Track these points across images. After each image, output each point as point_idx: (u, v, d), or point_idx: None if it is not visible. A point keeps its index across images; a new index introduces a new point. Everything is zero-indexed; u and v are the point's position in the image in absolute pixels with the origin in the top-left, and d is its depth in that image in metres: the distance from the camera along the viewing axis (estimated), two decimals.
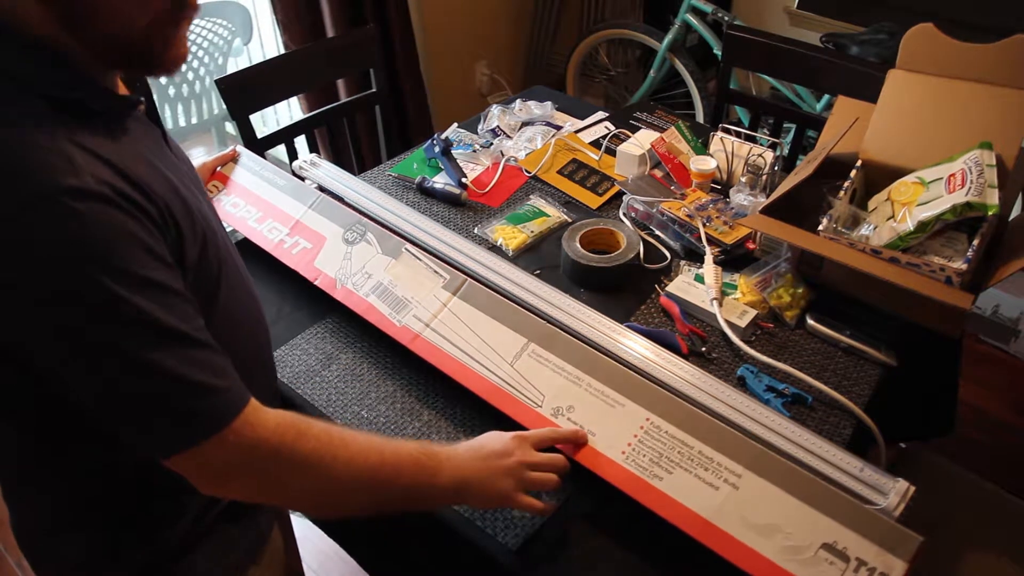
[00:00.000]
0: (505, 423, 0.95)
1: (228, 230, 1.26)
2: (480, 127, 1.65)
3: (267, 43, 2.57)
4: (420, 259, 1.10)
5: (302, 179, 1.43)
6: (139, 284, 0.59)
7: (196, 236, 0.68)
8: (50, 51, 0.59)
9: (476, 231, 1.34)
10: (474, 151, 1.56)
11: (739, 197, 1.33)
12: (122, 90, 0.71)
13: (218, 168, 1.31)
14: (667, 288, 1.18)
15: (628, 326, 1.07)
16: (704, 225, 1.26)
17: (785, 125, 1.87)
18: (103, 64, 0.64)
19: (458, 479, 0.79)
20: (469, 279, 1.07)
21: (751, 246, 1.27)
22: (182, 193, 0.68)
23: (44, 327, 0.59)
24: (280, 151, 1.75)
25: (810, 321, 1.13)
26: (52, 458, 0.74)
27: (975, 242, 1.08)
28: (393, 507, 0.80)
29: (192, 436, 0.64)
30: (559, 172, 1.50)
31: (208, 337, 0.66)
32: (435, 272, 1.08)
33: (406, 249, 1.12)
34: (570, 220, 1.36)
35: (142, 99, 0.70)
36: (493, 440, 0.85)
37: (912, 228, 1.11)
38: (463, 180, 1.44)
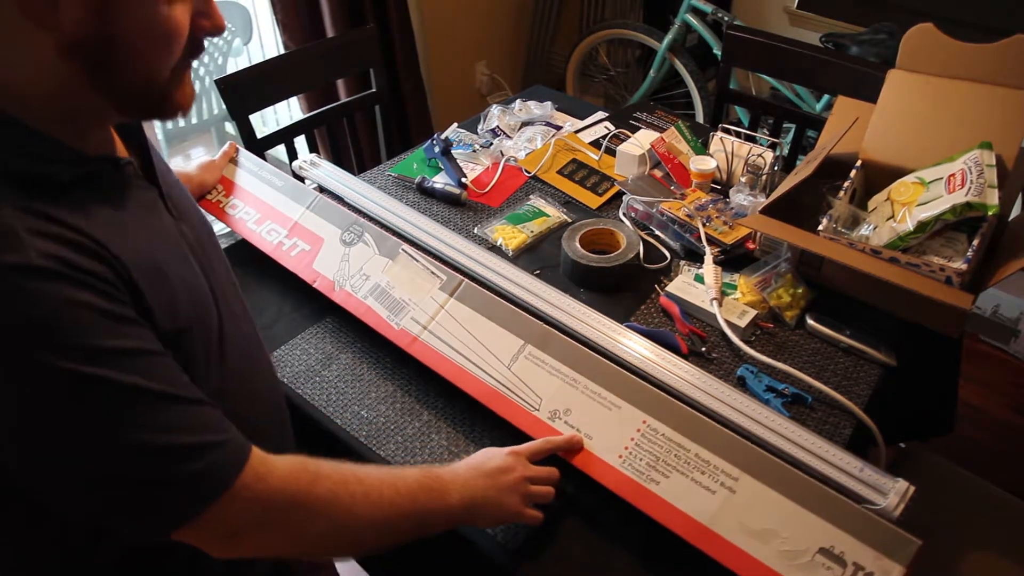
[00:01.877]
0: (503, 426, 0.95)
1: (226, 231, 1.26)
2: (480, 127, 1.65)
3: (267, 43, 2.58)
4: (417, 260, 1.10)
5: (302, 179, 1.43)
6: (100, 354, 0.54)
7: (174, 311, 0.63)
8: (21, 124, 0.55)
9: (476, 231, 1.34)
10: (474, 151, 1.56)
11: (739, 197, 1.33)
12: (111, 148, 0.66)
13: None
14: (667, 288, 1.18)
15: (628, 326, 1.07)
16: (704, 225, 1.26)
17: (785, 125, 1.87)
18: (120, 114, 0.61)
19: (467, 498, 0.79)
20: (466, 280, 1.07)
21: (751, 246, 1.27)
22: (164, 269, 0.63)
23: (2, 420, 0.53)
24: (280, 151, 1.75)
25: (810, 321, 1.13)
26: (25, 551, 0.68)
27: (975, 242, 1.08)
28: (409, 536, 0.77)
29: (200, 501, 0.59)
30: (559, 172, 1.50)
31: (195, 391, 0.61)
32: (432, 273, 1.08)
33: (403, 250, 1.12)
34: (570, 220, 1.36)
35: (130, 161, 0.66)
36: (492, 457, 0.85)
37: (912, 228, 1.11)
38: (463, 180, 1.44)
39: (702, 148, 1.51)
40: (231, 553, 0.65)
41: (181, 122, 2.52)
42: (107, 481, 0.57)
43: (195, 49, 0.60)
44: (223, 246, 1.34)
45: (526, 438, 0.93)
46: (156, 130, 2.35)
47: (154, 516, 0.59)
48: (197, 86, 2.47)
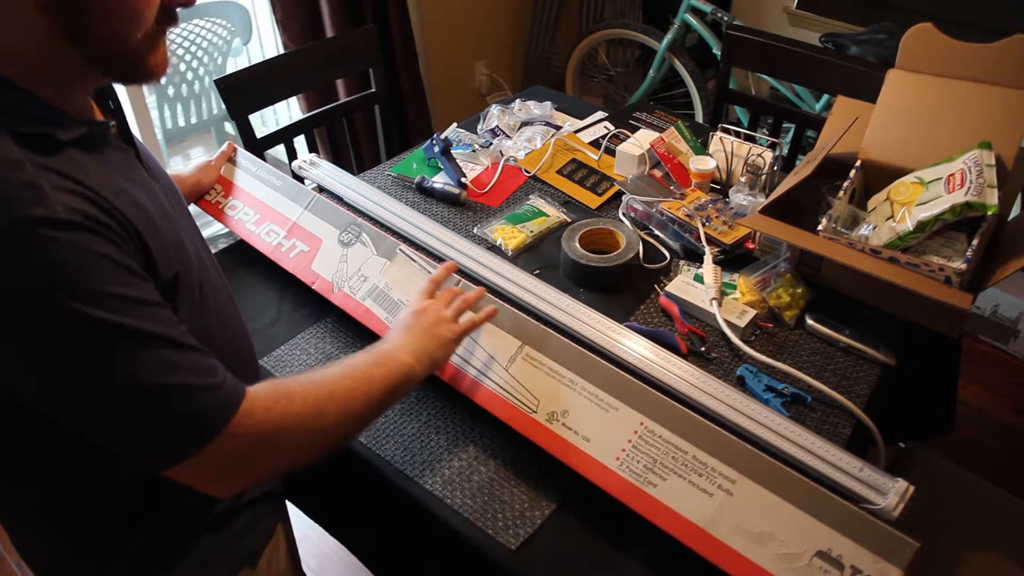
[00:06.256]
0: (502, 425, 0.95)
1: (224, 231, 1.26)
2: (479, 127, 1.65)
3: (267, 43, 2.57)
4: (414, 260, 1.10)
5: (301, 179, 1.43)
6: (119, 302, 0.59)
7: (168, 260, 0.68)
8: (17, 88, 0.59)
9: (476, 231, 1.34)
10: (473, 151, 1.56)
11: (738, 197, 1.33)
12: (94, 114, 0.71)
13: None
14: (666, 288, 1.18)
15: (627, 326, 1.07)
16: (703, 225, 1.26)
17: (784, 125, 1.87)
18: (100, 76, 0.65)
19: (414, 352, 0.86)
20: (462, 280, 1.06)
21: (750, 246, 1.27)
22: (153, 217, 0.68)
23: (26, 360, 0.59)
24: (280, 151, 1.75)
25: (809, 321, 1.13)
26: (28, 477, 0.73)
27: (974, 242, 1.08)
28: (383, 408, 0.83)
29: (197, 440, 0.64)
30: (558, 172, 1.50)
31: (192, 339, 0.66)
32: (429, 274, 1.08)
33: (400, 250, 1.12)
34: (569, 220, 1.36)
35: (112, 123, 0.70)
36: (402, 316, 0.93)
37: (911, 228, 1.11)
38: (462, 180, 1.44)
39: (702, 148, 1.50)
40: (228, 488, 0.70)
41: (181, 122, 2.51)
42: (112, 416, 0.62)
43: (168, 18, 0.64)
44: (223, 246, 1.35)
45: (525, 442, 0.93)
46: (156, 130, 2.35)
47: (154, 451, 0.64)
48: (197, 86, 2.47)
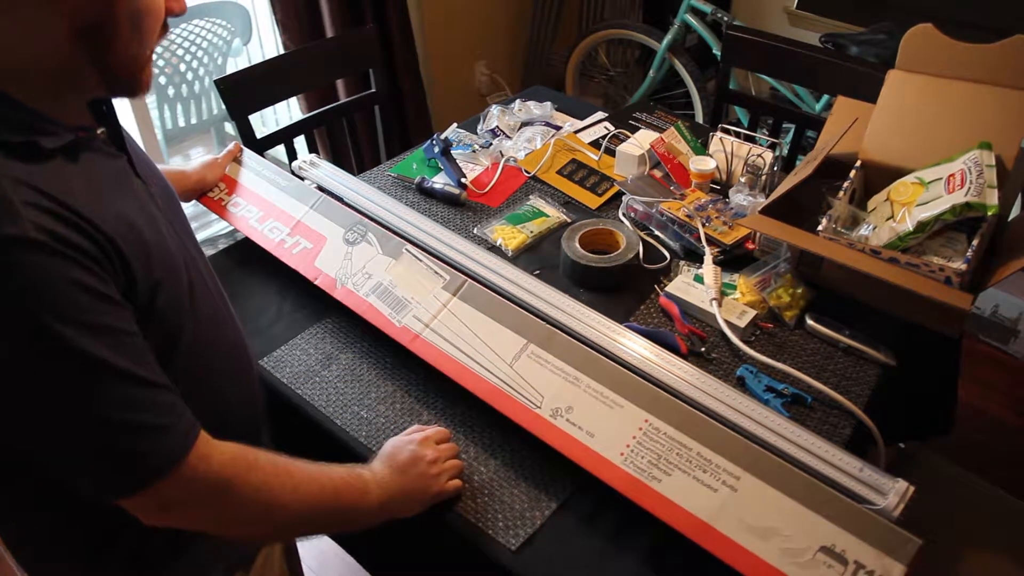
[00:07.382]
0: (501, 425, 0.95)
1: (227, 230, 1.27)
2: (479, 127, 1.65)
3: (267, 43, 2.57)
4: (420, 260, 1.10)
5: (301, 179, 1.43)
6: (83, 329, 0.58)
7: (151, 268, 0.67)
8: (3, 94, 0.59)
9: (475, 231, 1.34)
10: (473, 151, 1.56)
11: (738, 197, 1.33)
12: (84, 119, 0.70)
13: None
14: (666, 288, 1.18)
15: (627, 326, 1.07)
16: (703, 225, 1.26)
17: (784, 125, 1.87)
18: (105, 90, 0.66)
19: (384, 498, 0.83)
20: (469, 280, 1.07)
21: (750, 246, 1.27)
22: (139, 227, 0.66)
23: None
24: (279, 151, 1.75)
25: (809, 321, 1.13)
26: (25, 476, 0.73)
27: (974, 242, 1.08)
28: (328, 530, 0.83)
29: (143, 479, 0.63)
30: (558, 172, 1.50)
31: (159, 374, 0.65)
32: (435, 273, 1.08)
33: (407, 250, 1.12)
34: (569, 220, 1.36)
35: (100, 130, 0.70)
36: (399, 451, 0.88)
37: (911, 228, 1.11)
38: (462, 180, 1.44)
39: (702, 148, 1.51)
40: (163, 522, 0.69)
41: (181, 122, 2.51)
42: (59, 445, 0.61)
43: (164, 29, 0.66)
44: (224, 246, 1.35)
45: (529, 436, 0.93)
46: (156, 130, 2.35)
47: (99, 483, 0.64)
48: (197, 86, 2.47)
